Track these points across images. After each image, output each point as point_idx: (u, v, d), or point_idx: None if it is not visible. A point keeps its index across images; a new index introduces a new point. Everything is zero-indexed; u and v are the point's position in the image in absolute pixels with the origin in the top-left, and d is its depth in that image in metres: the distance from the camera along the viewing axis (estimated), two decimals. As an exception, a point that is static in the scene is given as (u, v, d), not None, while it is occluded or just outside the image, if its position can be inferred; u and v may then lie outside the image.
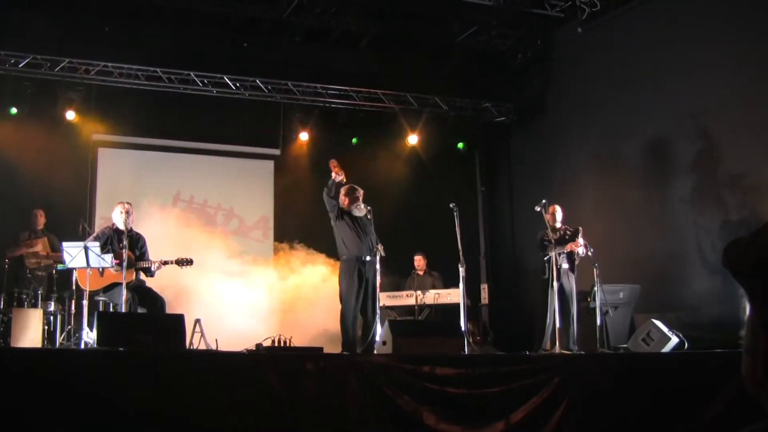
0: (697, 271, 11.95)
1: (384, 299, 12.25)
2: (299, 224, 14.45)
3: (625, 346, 10.92)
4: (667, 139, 12.91)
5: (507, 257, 16.76)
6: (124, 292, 9.53)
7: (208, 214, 14.98)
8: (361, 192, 10.42)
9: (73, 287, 10.48)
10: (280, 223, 15.65)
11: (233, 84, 14.61)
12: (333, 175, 10.23)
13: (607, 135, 14.13)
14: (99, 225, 12.95)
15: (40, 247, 12.46)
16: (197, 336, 11.15)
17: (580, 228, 11.46)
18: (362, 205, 10.30)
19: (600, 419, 7.66)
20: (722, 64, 11.70)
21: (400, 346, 8.04)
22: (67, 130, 14.19)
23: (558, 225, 11.65)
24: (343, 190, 10.39)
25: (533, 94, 16.15)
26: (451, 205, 10.51)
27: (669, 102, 12.70)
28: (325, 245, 12.75)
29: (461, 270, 10.35)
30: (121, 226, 10.18)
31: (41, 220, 12.72)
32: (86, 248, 9.62)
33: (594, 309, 11.01)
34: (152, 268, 10.16)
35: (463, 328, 9.74)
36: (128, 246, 9.91)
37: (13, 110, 13.69)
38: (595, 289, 10.88)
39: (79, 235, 12.07)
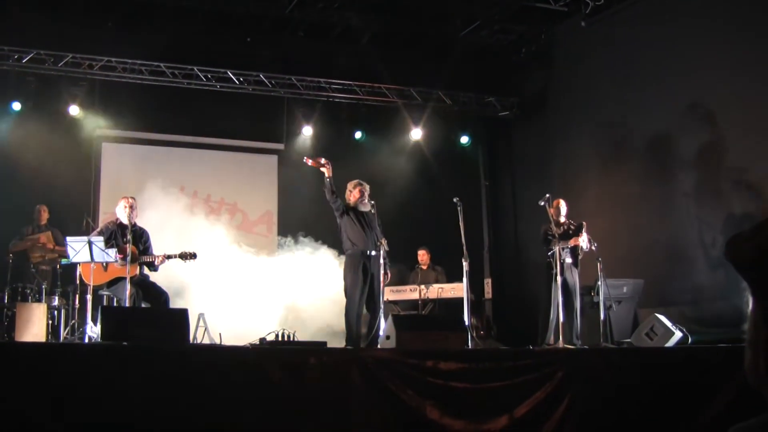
0: (700, 265, 11.95)
1: (388, 294, 12.25)
2: (303, 219, 14.44)
3: (628, 340, 10.91)
4: (669, 134, 12.89)
5: (510, 252, 16.76)
6: (128, 286, 9.55)
7: (211, 209, 14.98)
8: (367, 187, 10.44)
9: (77, 282, 10.51)
10: (284, 218, 15.67)
11: (237, 79, 14.61)
12: (326, 173, 10.22)
13: (610, 129, 14.12)
14: (103, 220, 12.97)
15: (44, 241, 12.50)
16: (201, 330, 11.18)
17: (584, 222, 11.45)
18: (367, 200, 10.32)
19: (603, 414, 7.66)
20: (725, 60, 11.68)
21: (403, 340, 8.04)
22: (70, 125, 14.22)
23: (562, 219, 11.64)
24: (350, 185, 10.41)
25: (536, 88, 16.14)
26: (454, 200, 10.51)
27: (672, 97, 12.68)
28: (328, 240, 12.78)
29: (465, 264, 10.34)
30: (125, 221, 10.20)
31: (44, 215, 12.76)
32: (90, 243, 9.63)
33: (597, 303, 11.00)
34: (156, 263, 10.17)
35: (466, 323, 9.73)
36: (132, 241, 9.91)
37: (17, 105, 13.71)
38: (599, 283, 10.87)
39: (83, 229, 12.08)
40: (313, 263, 13.18)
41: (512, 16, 14.91)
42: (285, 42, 15.30)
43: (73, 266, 10.32)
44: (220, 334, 10.84)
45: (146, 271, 10.38)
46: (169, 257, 10.16)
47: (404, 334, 8.12)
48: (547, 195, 11.00)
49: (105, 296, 10.54)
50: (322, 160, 10.30)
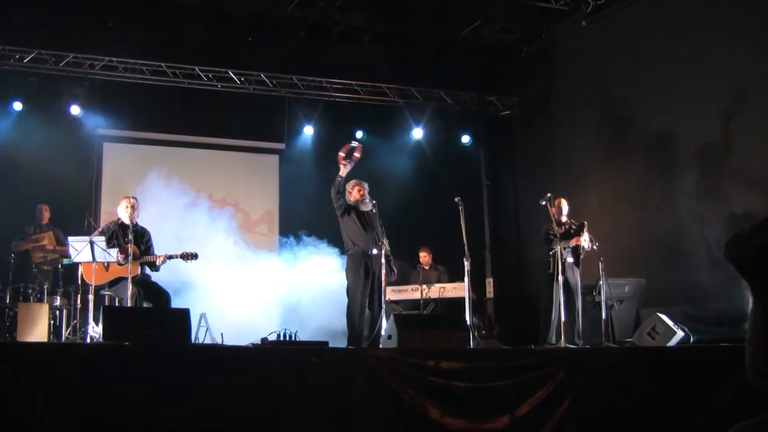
0: (702, 265, 11.94)
1: (389, 293, 12.24)
2: (304, 218, 14.45)
3: (630, 340, 10.91)
4: (671, 132, 12.89)
5: (512, 251, 16.76)
6: (130, 286, 9.54)
7: (213, 209, 14.97)
8: (366, 186, 10.44)
9: (79, 282, 10.52)
10: (286, 218, 15.68)
11: (238, 78, 14.62)
12: (341, 169, 10.25)
13: (611, 128, 14.12)
14: (104, 219, 12.98)
15: (46, 241, 12.50)
16: (203, 330, 11.20)
17: (585, 222, 11.45)
18: (368, 200, 10.32)
19: (604, 413, 7.66)
20: (727, 57, 11.66)
21: (405, 340, 8.04)
22: (71, 124, 14.22)
23: (564, 219, 11.64)
24: (350, 186, 10.41)
25: (538, 88, 16.14)
26: (455, 199, 10.49)
27: (673, 95, 12.68)
28: (330, 239, 12.78)
29: (466, 264, 10.34)
30: (127, 221, 10.20)
31: (46, 215, 12.77)
32: (92, 243, 9.63)
33: (599, 303, 10.98)
34: (157, 263, 10.17)
35: (468, 322, 9.73)
36: (133, 240, 9.91)
37: (18, 105, 13.71)
38: (600, 283, 10.86)
39: (85, 229, 12.08)
40: (315, 263, 13.18)
41: (513, 15, 14.92)
42: (286, 41, 15.31)
43: (75, 266, 10.34)
44: (221, 334, 10.84)
45: (148, 271, 10.38)
46: (170, 257, 10.16)
47: (406, 334, 8.12)
48: (549, 194, 10.98)
49: (106, 296, 10.54)
50: (346, 157, 10.29)
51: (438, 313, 13.25)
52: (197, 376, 6.58)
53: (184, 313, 7.76)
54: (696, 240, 12.20)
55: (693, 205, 12.36)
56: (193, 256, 10.25)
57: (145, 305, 9.97)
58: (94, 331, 9.54)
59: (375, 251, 10.10)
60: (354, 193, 10.39)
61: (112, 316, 7.70)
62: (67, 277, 11.68)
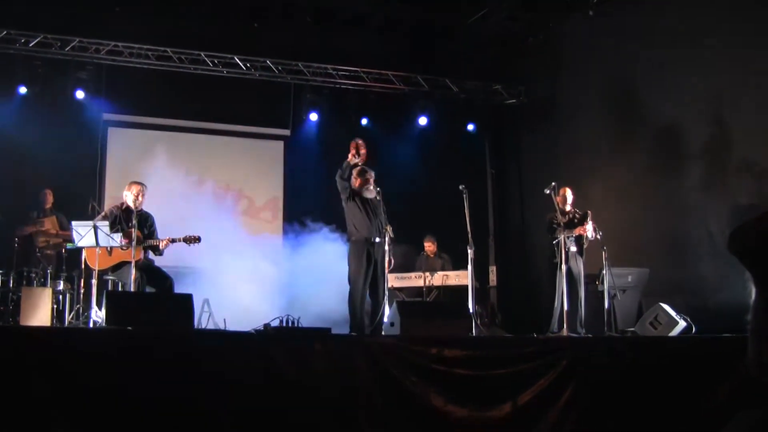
0: (705, 255, 11.92)
1: (392, 281, 12.26)
2: (309, 205, 14.44)
3: (632, 329, 10.91)
4: (677, 123, 12.86)
5: (516, 239, 16.74)
6: (133, 271, 9.56)
7: (217, 195, 14.98)
8: (372, 174, 10.41)
9: (82, 266, 10.53)
10: (290, 204, 15.67)
11: (244, 64, 14.60)
12: (350, 156, 10.24)
13: (616, 119, 14.09)
14: (108, 204, 12.96)
15: (49, 226, 12.52)
16: (206, 315, 11.21)
17: (589, 212, 11.45)
18: (372, 187, 10.30)
19: (606, 402, 7.67)
20: (734, 50, 11.63)
21: (408, 327, 8.05)
22: (76, 109, 14.20)
23: (568, 208, 11.64)
24: (354, 172, 10.39)
25: (544, 76, 16.10)
26: (460, 187, 10.49)
27: (679, 87, 12.64)
28: (334, 226, 12.76)
29: (470, 252, 10.34)
30: (132, 206, 10.20)
31: (50, 199, 12.78)
32: (95, 227, 9.64)
33: (602, 292, 11.00)
34: (160, 247, 10.18)
35: (471, 310, 9.74)
36: (137, 225, 9.93)
37: (24, 89, 13.71)
38: (604, 272, 10.87)
39: (89, 214, 12.08)
40: (319, 249, 13.16)
41: (520, 4, 14.86)
42: (292, 28, 15.26)
43: (78, 251, 10.32)
44: (224, 320, 10.84)
45: (151, 255, 10.39)
46: (173, 241, 10.19)
47: (409, 321, 8.13)
48: (553, 183, 10.99)
49: (110, 281, 10.54)
50: (358, 155, 10.31)
51: (441, 300, 13.27)
52: (200, 361, 6.59)
53: (187, 299, 7.78)
54: (700, 231, 12.18)
55: (697, 196, 12.33)
56: (196, 240, 10.27)
57: (148, 290, 9.99)
58: (97, 315, 9.57)
59: (378, 239, 10.09)
60: (360, 180, 10.34)
61: (115, 301, 7.73)
62: (70, 262, 11.71)
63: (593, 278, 11.57)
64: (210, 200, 13.89)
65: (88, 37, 13.63)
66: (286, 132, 16.10)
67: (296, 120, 15.91)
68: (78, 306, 11.02)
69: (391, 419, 7.06)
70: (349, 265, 10.16)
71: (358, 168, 10.38)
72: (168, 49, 14.09)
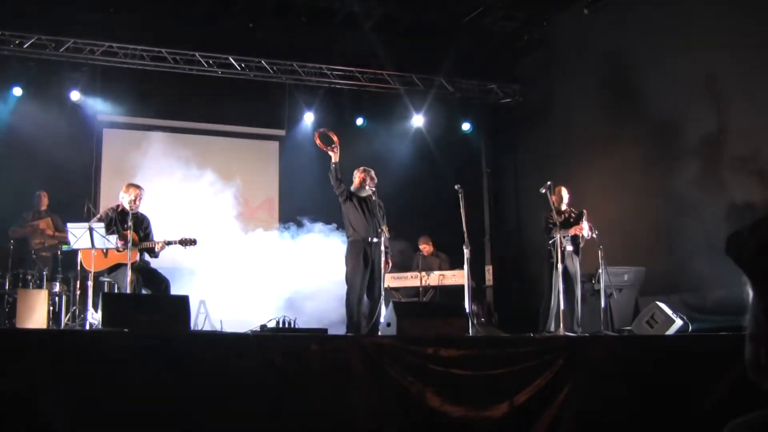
0: (701, 253, 11.91)
1: (388, 281, 12.25)
2: (305, 205, 14.42)
3: (629, 328, 10.91)
4: (672, 121, 12.88)
5: (512, 239, 16.76)
6: (129, 272, 9.55)
7: (212, 195, 14.95)
8: (371, 173, 10.42)
9: (78, 268, 10.52)
10: (286, 204, 15.68)
11: (238, 65, 14.60)
12: (333, 157, 10.23)
13: (612, 117, 14.10)
14: (104, 206, 12.96)
15: (44, 227, 12.50)
16: (202, 317, 11.21)
17: (584, 211, 11.45)
18: (368, 186, 10.31)
19: (603, 401, 7.67)
20: (729, 47, 11.64)
21: (404, 327, 8.04)
22: (71, 110, 14.21)
23: (564, 207, 11.64)
24: (356, 172, 10.42)
25: (539, 75, 16.12)
26: (456, 187, 10.49)
27: (674, 84, 12.67)
28: (330, 227, 12.76)
29: (466, 251, 10.34)
30: (128, 207, 10.19)
31: (45, 201, 12.78)
32: (91, 229, 9.63)
33: (598, 291, 11.00)
34: (156, 249, 10.17)
35: (467, 310, 9.74)
36: (133, 227, 9.91)
37: (18, 90, 13.69)
38: (600, 271, 10.87)
39: (84, 216, 12.06)
40: (314, 250, 13.16)
41: (515, 2, 14.88)
42: (287, 28, 15.27)
43: (74, 252, 10.32)
44: (221, 321, 10.86)
45: (147, 257, 10.38)
46: (169, 243, 10.17)
47: (405, 321, 8.11)
48: (549, 182, 10.98)
49: (106, 282, 10.54)
50: (329, 143, 10.29)
51: (437, 300, 13.26)
52: (197, 363, 6.58)
53: (184, 300, 7.75)
54: (695, 229, 12.18)
55: (693, 194, 12.34)
56: (192, 242, 10.26)
57: (144, 292, 9.97)
58: (94, 317, 9.55)
59: (375, 239, 10.10)
60: (365, 177, 10.37)
61: (111, 302, 7.70)
62: (66, 264, 11.70)
63: (589, 277, 11.59)
64: (205, 200, 13.86)
65: (83, 38, 13.63)
66: (282, 132, 16.10)
67: (291, 120, 15.91)
68: (74, 308, 11.02)
69: (388, 420, 7.05)
70: (346, 265, 10.19)
71: (362, 167, 10.40)
72: (163, 50, 14.09)
